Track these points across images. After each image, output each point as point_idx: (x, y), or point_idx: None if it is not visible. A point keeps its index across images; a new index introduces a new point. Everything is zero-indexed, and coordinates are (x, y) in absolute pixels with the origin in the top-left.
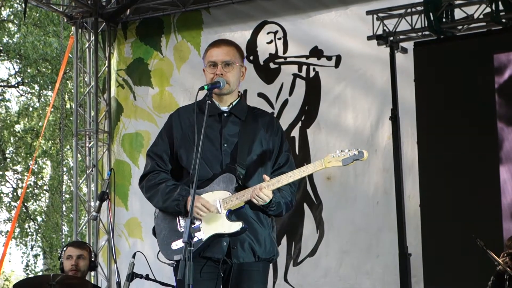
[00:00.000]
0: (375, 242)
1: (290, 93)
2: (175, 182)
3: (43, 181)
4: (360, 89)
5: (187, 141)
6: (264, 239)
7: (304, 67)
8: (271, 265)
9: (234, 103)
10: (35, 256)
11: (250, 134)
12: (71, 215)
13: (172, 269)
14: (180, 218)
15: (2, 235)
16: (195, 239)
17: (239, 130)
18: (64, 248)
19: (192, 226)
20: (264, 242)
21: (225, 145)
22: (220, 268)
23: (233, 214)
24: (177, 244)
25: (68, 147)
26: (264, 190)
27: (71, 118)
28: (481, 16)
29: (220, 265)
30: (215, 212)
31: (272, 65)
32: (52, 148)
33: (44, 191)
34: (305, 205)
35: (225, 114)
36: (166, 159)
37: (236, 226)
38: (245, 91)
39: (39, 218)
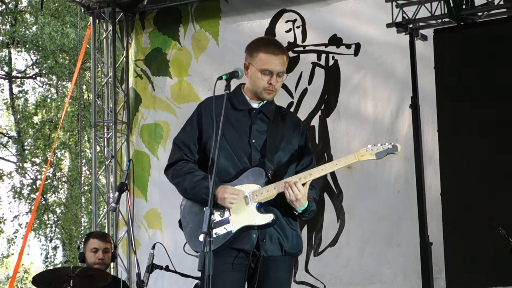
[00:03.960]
0: (396, 231)
1: (310, 82)
2: (205, 173)
3: (62, 173)
4: (380, 77)
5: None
6: (292, 234)
7: (323, 56)
8: None
9: (265, 102)
10: (54, 248)
11: (278, 132)
12: (90, 207)
13: (194, 260)
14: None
15: (22, 227)
16: (224, 231)
17: (267, 128)
18: (86, 238)
19: (221, 218)
20: (291, 237)
21: (253, 141)
22: (251, 260)
23: (262, 207)
24: None
25: (86, 138)
26: (297, 185)
27: (89, 109)
28: (502, 2)
29: (250, 257)
30: (242, 198)
31: (291, 54)
32: (71, 139)
33: (63, 183)
34: (325, 194)
35: (255, 111)
36: (194, 149)
37: (267, 218)
38: None
39: (58, 210)
